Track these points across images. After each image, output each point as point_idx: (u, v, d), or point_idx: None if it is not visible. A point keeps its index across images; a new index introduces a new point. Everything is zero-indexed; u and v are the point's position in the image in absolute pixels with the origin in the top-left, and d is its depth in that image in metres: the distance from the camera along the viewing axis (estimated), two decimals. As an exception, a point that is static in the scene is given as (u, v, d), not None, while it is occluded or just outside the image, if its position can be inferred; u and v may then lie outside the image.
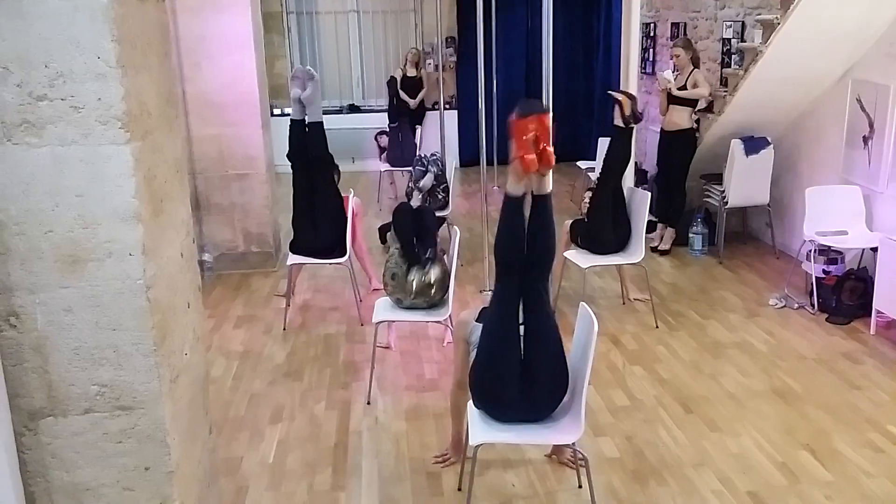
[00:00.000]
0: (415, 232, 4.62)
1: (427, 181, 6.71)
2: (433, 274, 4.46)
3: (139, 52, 2.04)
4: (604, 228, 5.42)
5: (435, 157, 7.07)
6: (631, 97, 5.46)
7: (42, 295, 2.00)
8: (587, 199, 5.61)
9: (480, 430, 3.25)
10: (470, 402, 3.40)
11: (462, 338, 3.66)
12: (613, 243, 5.44)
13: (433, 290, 4.48)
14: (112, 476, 2.15)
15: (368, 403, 4.45)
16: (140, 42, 2.05)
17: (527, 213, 3.20)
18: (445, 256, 4.67)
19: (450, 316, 4.55)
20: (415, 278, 4.45)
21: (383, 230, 7.18)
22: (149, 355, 2.07)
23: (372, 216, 8.29)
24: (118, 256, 2.00)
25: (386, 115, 9.96)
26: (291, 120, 5.48)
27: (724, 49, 7.35)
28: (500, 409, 3.27)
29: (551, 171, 3.13)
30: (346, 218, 5.56)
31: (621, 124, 5.44)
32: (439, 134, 8.03)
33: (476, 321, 3.61)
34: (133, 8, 2.00)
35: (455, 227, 5.15)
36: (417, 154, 7.70)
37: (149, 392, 2.10)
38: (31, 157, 1.92)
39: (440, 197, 6.90)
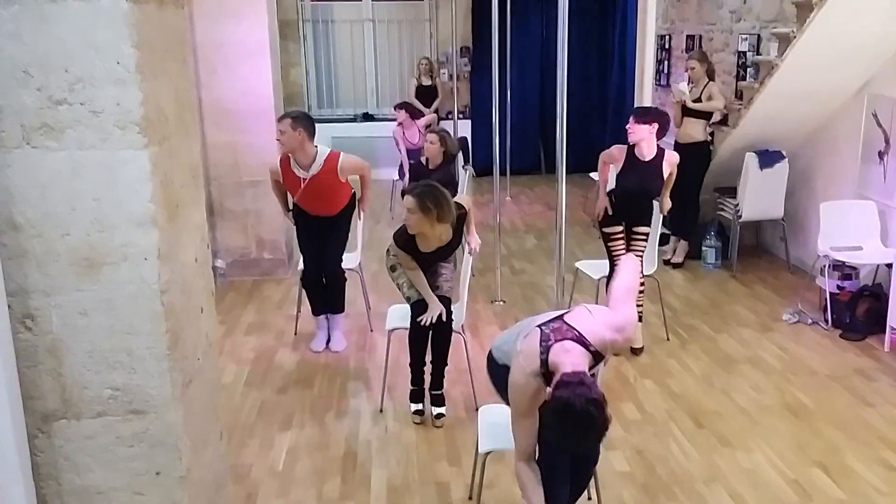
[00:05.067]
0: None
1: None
2: None
3: (158, 58, 2.05)
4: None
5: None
6: None
7: (57, 297, 2.01)
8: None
9: (489, 437, 3.23)
10: (482, 408, 3.38)
11: (529, 395, 2.73)
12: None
13: None
14: (123, 480, 2.15)
15: (381, 412, 4.45)
16: (159, 48, 2.06)
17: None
18: (462, 255, 4.62)
19: (463, 325, 4.53)
20: None
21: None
22: (162, 359, 2.07)
23: (385, 225, 8.30)
24: (133, 260, 2.01)
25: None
26: None
27: (740, 62, 7.34)
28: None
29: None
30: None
31: None
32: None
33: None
34: (152, 14, 2.01)
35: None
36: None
37: (161, 396, 2.10)
38: (49, 160, 1.93)
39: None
